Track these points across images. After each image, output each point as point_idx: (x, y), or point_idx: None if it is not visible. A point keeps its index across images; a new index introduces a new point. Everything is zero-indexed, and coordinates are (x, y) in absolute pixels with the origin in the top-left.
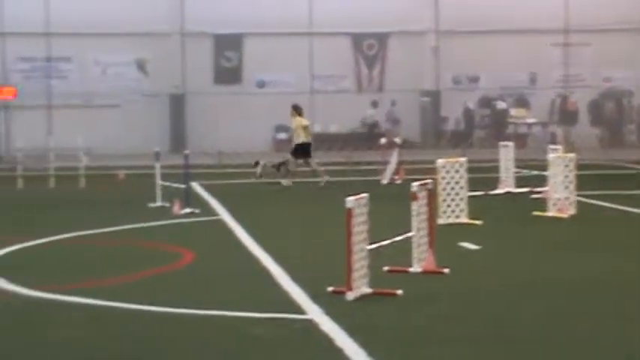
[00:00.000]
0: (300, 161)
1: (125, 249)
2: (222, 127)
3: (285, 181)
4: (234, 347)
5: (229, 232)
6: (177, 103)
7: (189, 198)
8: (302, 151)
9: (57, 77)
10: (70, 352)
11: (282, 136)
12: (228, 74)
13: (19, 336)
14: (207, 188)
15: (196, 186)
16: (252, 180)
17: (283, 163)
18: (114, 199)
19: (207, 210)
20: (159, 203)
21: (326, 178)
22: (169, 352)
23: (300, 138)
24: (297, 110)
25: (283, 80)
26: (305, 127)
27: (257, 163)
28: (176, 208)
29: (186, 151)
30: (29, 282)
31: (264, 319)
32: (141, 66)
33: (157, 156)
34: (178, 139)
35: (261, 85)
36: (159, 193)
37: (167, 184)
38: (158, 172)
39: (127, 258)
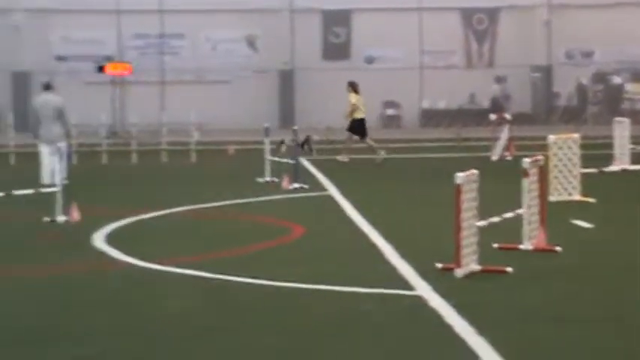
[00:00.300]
0: (356, 137)
1: (235, 223)
2: (331, 103)
3: (340, 157)
4: (343, 322)
5: (338, 208)
6: (286, 79)
7: (298, 173)
8: (359, 127)
9: (169, 53)
10: (183, 322)
11: (391, 112)
12: (336, 50)
13: (134, 307)
14: (315, 164)
15: (305, 162)
16: (360, 156)
17: (307, 141)
18: (224, 174)
19: (316, 185)
20: (268, 178)
21: (383, 154)
22: (278, 325)
23: (359, 114)
24: (353, 87)
25: (392, 56)
26: (361, 104)
27: (282, 142)
28: (285, 183)
29: (295, 127)
30: (143, 254)
31: (373, 294)
32: (251, 42)
33: (267, 131)
34: (287, 114)
35: (369, 60)
36: (268, 168)
37: (276, 159)
38: (267, 147)
39: (238, 232)
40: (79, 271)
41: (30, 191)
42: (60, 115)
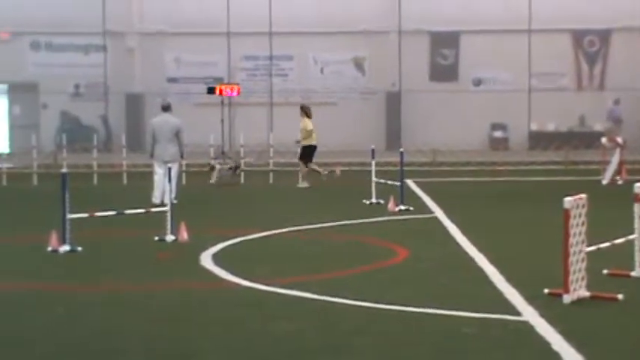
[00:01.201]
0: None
1: (341, 244)
2: (437, 125)
3: (300, 184)
4: (447, 346)
5: (443, 230)
6: (393, 101)
7: (404, 195)
8: (309, 153)
9: (278, 75)
10: (289, 343)
11: (498, 134)
12: (444, 72)
13: (241, 327)
14: (421, 186)
15: (411, 183)
16: (467, 178)
17: (238, 167)
18: (330, 195)
19: (422, 208)
20: (374, 200)
21: (326, 172)
22: (381, 347)
23: (311, 141)
24: (306, 111)
25: (500, 78)
26: (312, 130)
27: (212, 168)
28: (391, 205)
29: (401, 149)
30: (250, 274)
31: (478, 318)
32: (358, 64)
33: (373, 153)
34: (393, 136)
35: (477, 82)
36: (374, 189)
37: (382, 181)
38: (373, 169)
39: (344, 253)
40: (187, 290)
41: (141, 210)
42: (177, 135)
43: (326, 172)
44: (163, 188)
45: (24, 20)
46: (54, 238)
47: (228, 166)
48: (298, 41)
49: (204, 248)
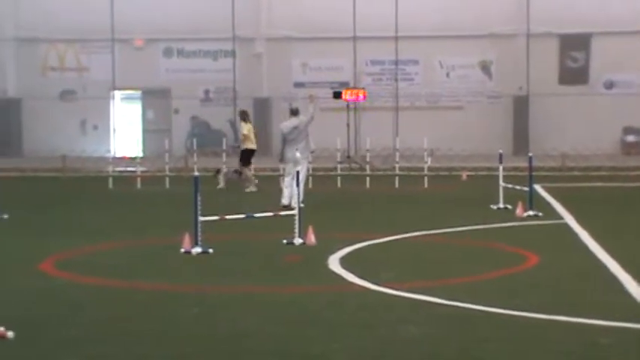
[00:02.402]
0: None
1: (468, 249)
2: (567, 129)
3: (248, 189)
4: (581, 355)
5: (574, 237)
6: (521, 105)
7: (533, 200)
8: (247, 156)
9: (403, 79)
10: (419, 348)
11: (631, 138)
12: (574, 75)
13: (369, 330)
14: (550, 191)
15: (539, 189)
16: (598, 184)
17: (242, 171)
18: (457, 200)
19: (551, 213)
20: (501, 205)
21: (253, 187)
22: (514, 355)
23: (249, 144)
24: (243, 116)
25: (633, 81)
26: (252, 134)
27: (218, 172)
28: (519, 211)
29: (530, 153)
30: (377, 278)
31: (612, 327)
32: (485, 68)
33: (500, 157)
34: (521, 140)
35: (609, 85)
36: (502, 194)
37: (510, 185)
38: (501, 173)
39: (471, 258)
40: (316, 293)
41: (269, 214)
42: (305, 139)
43: (255, 182)
44: (291, 191)
45: (157, 28)
46: (187, 239)
47: (234, 169)
48: (424, 45)
49: (332, 252)
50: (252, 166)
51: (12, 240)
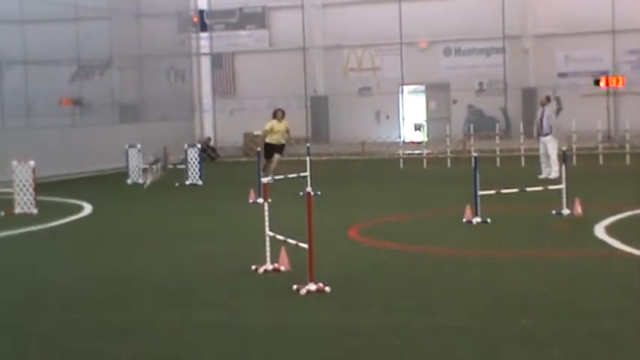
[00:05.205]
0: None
1: None
2: None
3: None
4: None
5: None
6: None
7: None
8: (269, 150)
9: None
10: None
11: None
12: None
13: (631, 292)
14: None
15: None
16: None
17: (158, 161)
18: None
19: None
20: None
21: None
22: None
23: (269, 139)
24: (274, 114)
25: None
26: (268, 130)
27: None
28: None
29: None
30: (639, 244)
31: None
32: None
33: None
34: None
35: None
36: None
37: None
38: None
39: None
40: (585, 258)
41: (539, 188)
42: (548, 121)
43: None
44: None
45: (438, 31)
46: (468, 211)
47: (157, 164)
48: None
49: (598, 221)
50: (277, 158)
51: (325, 212)
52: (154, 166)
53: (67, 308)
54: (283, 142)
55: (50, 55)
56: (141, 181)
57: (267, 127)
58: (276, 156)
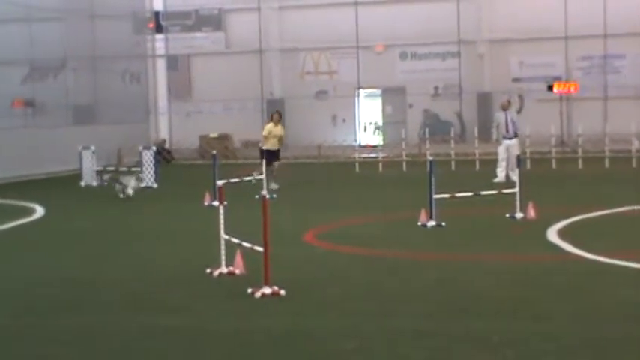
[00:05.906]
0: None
1: None
2: None
3: (271, 185)
4: None
5: None
6: None
7: None
8: (267, 157)
9: (611, 72)
10: (629, 311)
11: None
12: None
13: (586, 294)
14: None
15: None
16: None
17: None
18: None
19: None
20: None
21: (275, 184)
22: None
23: (267, 145)
24: (271, 117)
25: None
26: (266, 136)
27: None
28: None
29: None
30: (592, 248)
31: None
32: None
33: None
34: None
35: None
36: None
37: None
38: None
39: None
40: (535, 261)
41: (493, 192)
42: (514, 125)
43: (275, 188)
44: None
45: (394, 35)
46: (423, 215)
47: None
48: (630, 41)
49: (550, 225)
50: (277, 163)
51: (281, 215)
52: (132, 176)
53: (16, 316)
54: (279, 147)
55: (1, 56)
56: (94, 183)
57: (265, 132)
58: (276, 163)
